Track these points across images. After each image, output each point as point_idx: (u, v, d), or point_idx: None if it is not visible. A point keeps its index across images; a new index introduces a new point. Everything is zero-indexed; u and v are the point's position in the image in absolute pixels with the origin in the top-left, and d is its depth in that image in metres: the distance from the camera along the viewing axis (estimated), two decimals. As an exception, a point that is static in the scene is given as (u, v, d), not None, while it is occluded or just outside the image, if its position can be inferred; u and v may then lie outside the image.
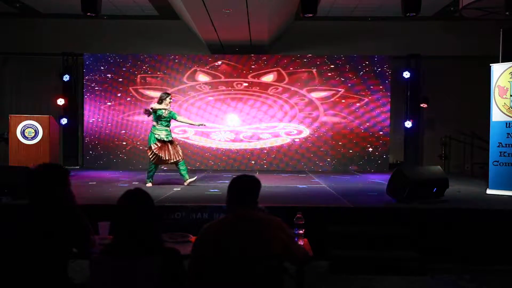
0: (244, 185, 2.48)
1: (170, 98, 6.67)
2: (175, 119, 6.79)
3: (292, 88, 10.25)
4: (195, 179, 6.91)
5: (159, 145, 6.52)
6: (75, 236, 2.37)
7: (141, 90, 10.30)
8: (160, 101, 6.60)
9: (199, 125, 7.12)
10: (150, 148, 6.57)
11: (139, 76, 10.30)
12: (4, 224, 2.33)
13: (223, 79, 10.28)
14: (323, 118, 10.25)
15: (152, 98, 10.24)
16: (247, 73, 10.25)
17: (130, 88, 10.29)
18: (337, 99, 10.22)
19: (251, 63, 10.24)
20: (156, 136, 6.53)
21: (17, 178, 5.18)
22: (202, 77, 10.27)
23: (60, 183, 2.45)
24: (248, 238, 2.29)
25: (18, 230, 2.28)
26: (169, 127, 6.69)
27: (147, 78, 10.31)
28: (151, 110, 6.61)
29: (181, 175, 6.73)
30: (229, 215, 2.43)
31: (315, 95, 10.24)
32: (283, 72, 10.24)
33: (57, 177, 2.45)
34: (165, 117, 6.61)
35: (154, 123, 6.61)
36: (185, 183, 6.71)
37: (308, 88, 10.24)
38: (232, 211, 2.42)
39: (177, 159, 6.61)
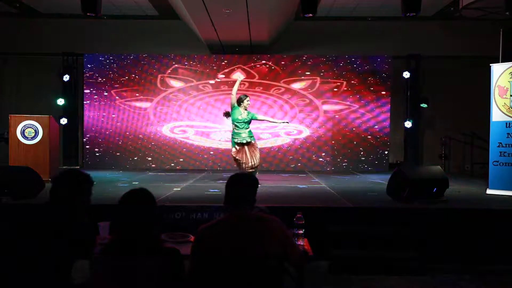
0: (242, 183, 2.48)
1: (248, 100, 6.78)
2: (256, 119, 6.93)
3: (292, 88, 10.25)
4: None
5: (238, 149, 6.68)
6: (86, 238, 2.40)
7: (140, 90, 10.31)
8: (239, 103, 6.74)
9: (282, 122, 7.88)
10: (233, 152, 6.81)
11: (138, 75, 10.29)
12: (19, 222, 2.34)
13: (223, 79, 10.30)
14: (323, 118, 10.25)
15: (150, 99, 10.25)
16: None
17: (130, 88, 10.29)
18: (337, 99, 10.22)
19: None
20: (236, 140, 6.69)
21: (17, 178, 5.19)
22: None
23: (86, 190, 2.49)
24: (247, 238, 2.29)
25: (34, 229, 2.28)
26: (248, 128, 6.77)
27: (147, 78, 10.31)
28: (230, 112, 6.80)
29: None
30: (227, 215, 2.43)
31: (315, 95, 10.23)
32: (281, 72, 10.25)
33: (86, 185, 2.48)
34: (242, 119, 6.70)
35: (233, 126, 6.74)
36: None
37: (308, 88, 10.24)
38: (230, 210, 2.42)
39: (253, 163, 6.68)
